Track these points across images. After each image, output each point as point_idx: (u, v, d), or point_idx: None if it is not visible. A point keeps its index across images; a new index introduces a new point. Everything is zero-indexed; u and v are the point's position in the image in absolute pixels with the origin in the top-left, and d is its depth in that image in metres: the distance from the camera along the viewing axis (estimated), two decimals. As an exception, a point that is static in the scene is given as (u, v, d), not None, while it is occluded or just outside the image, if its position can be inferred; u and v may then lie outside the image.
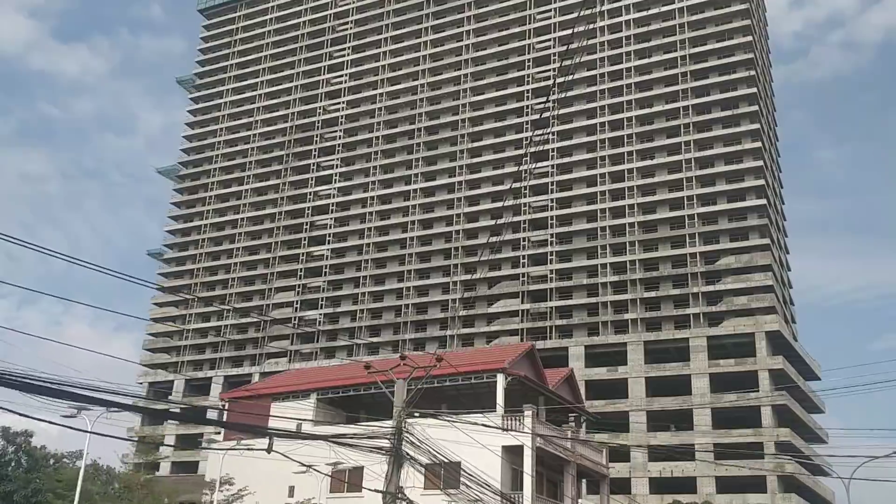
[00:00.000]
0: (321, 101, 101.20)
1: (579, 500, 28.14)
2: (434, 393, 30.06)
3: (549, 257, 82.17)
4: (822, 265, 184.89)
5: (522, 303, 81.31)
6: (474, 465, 26.29)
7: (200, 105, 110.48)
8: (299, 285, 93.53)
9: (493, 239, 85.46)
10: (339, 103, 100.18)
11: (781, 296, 79.06)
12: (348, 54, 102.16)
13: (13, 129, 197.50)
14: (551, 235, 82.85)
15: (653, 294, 76.20)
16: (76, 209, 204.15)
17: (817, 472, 77.47)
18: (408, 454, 16.34)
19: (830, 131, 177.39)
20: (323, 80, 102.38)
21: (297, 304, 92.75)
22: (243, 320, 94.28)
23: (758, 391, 67.74)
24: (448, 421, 26.37)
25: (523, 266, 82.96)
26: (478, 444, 26.20)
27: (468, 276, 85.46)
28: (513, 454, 28.29)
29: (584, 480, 35.55)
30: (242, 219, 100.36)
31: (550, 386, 32.42)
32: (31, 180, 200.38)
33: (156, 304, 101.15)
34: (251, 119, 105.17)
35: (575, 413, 34.60)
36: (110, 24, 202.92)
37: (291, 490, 30.22)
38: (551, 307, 79.89)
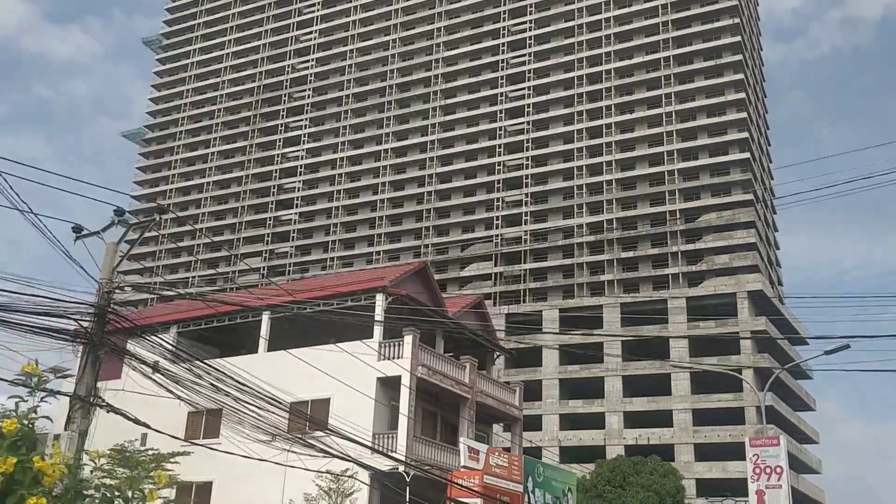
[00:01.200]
0: (290, 59, 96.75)
1: (462, 439, 23.90)
2: (317, 325, 26.17)
3: (523, 218, 78.39)
4: (823, 242, 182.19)
5: (496, 266, 77.64)
6: (345, 402, 22.83)
7: (167, 66, 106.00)
8: (266, 251, 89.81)
9: (467, 200, 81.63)
10: (308, 61, 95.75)
11: (766, 256, 75.39)
12: (318, 10, 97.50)
13: (8, 113, 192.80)
14: (526, 195, 79.01)
15: (630, 254, 72.53)
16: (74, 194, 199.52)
17: (804, 439, 74.37)
18: (111, 342, 12.16)
19: (829, 110, 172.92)
20: (292, 37, 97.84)
21: (264, 270, 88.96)
22: (209, 288, 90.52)
23: (739, 354, 64.32)
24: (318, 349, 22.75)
25: (497, 227, 79.19)
26: (359, 380, 22.67)
27: (440, 239, 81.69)
28: (392, 388, 24.48)
29: (499, 425, 31.73)
30: (209, 183, 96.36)
31: (451, 313, 28.04)
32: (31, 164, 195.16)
33: (121, 272, 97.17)
34: (219, 79, 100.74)
35: (490, 349, 30.55)
36: (104, 6, 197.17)
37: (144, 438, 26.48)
38: (525, 270, 76.27)
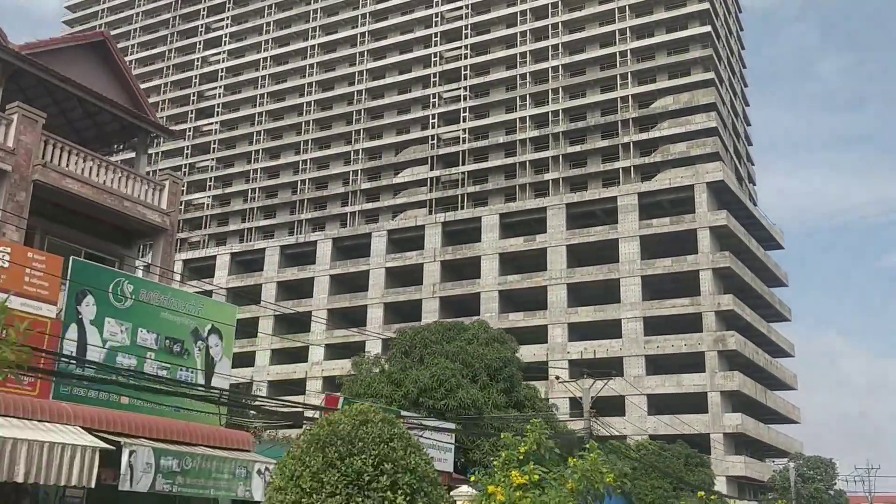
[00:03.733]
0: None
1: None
2: None
3: (462, 115, 69.61)
4: (824, 181, 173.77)
5: (432, 170, 69.20)
6: None
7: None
8: (186, 165, 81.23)
9: (402, 97, 72.72)
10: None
11: (732, 145, 66.87)
12: None
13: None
14: (465, 89, 70.06)
15: (578, 148, 64.01)
16: None
17: (776, 352, 67.19)
18: None
19: (834, 43, 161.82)
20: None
21: (183, 185, 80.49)
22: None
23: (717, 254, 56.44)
24: None
25: (434, 127, 70.47)
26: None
27: (373, 143, 73.05)
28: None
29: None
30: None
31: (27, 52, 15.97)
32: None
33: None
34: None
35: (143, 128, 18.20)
36: None
37: None
38: (464, 173, 67.85)
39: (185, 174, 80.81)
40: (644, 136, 61.46)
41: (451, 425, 22.76)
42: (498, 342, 27.84)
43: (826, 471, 43.01)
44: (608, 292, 58.50)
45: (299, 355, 67.11)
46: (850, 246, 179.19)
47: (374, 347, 65.02)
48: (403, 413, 20.10)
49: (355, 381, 28.18)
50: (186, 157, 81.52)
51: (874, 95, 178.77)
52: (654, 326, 56.85)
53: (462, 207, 66.49)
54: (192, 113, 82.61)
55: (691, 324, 55.60)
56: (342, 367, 65.90)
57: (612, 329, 57.55)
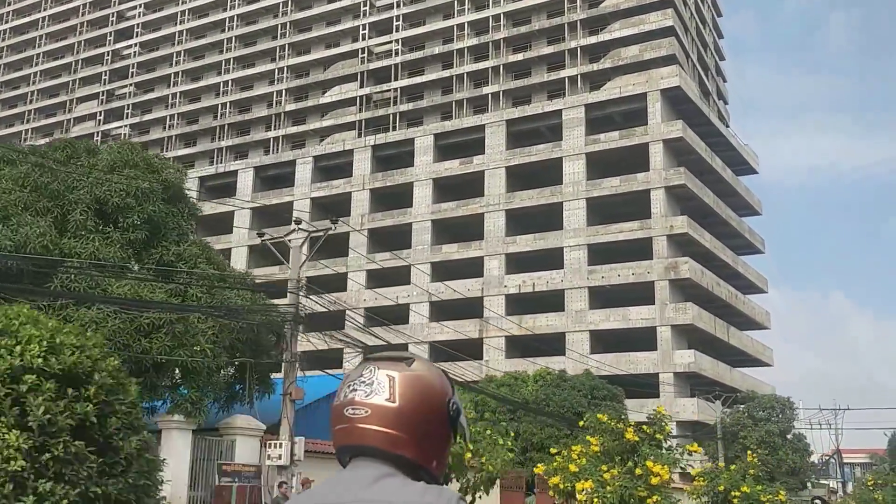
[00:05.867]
0: None
1: None
2: None
3: (395, 24, 61.87)
4: (830, 142, 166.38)
5: (362, 87, 61.73)
6: None
7: None
8: (103, 92, 73.81)
9: (331, 7, 64.91)
10: None
11: (697, 53, 59.23)
12: None
13: None
14: (399, -5, 62.21)
15: (521, 56, 56.45)
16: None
17: (749, 288, 60.56)
18: None
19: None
20: None
21: (100, 115, 73.34)
22: (41, 141, 75.09)
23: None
24: None
25: (364, 39, 62.79)
26: None
27: (299, 59, 65.44)
28: None
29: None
30: (45, 18, 79.30)
31: None
32: None
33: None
34: None
35: None
36: None
37: None
38: (397, 89, 60.42)
39: (102, 102, 73.66)
40: (593, 39, 53.81)
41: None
42: (133, 167, 18.29)
43: (783, 412, 36.59)
44: (551, 219, 51.61)
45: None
46: (856, 208, 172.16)
47: (296, 285, 58.68)
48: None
49: None
50: (104, 84, 74.07)
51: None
52: (601, 255, 50.08)
53: (394, 129, 59.26)
54: (110, 35, 74.90)
55: (642, 251, 48.79)
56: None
57: (553, 259, 50.82)
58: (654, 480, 11.44)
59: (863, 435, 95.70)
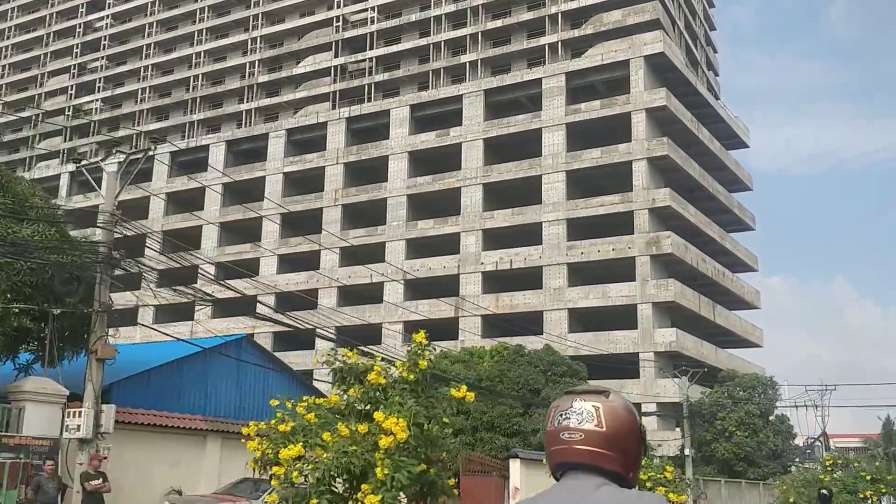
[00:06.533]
0: None
1: None
2: None
3: (371, -9, 59.44)
4: (834, 127, 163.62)
5: (337, 56, 59.37)
6: None
7: None
8: (75, 66, 71.54)
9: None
10: None
11: (684, 20, 56.75)
12: None
13: None
14: (376, -39, 59.68)
15: (500, 23, 54.02)
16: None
17: (736, 265, 58.36)
18: None
19: None
20: None
21: (71, 89, 71.07)
22: (12, 117, 72.91)
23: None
24: None
25: (339, 6, 60.37)
26: None
27: (273, 29, 63.02)
28: None
29: None
30: (16, -9, 76.91)
31: None
32: None
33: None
34: None
35: None
36: None
37: None
38: (372, 59, 58.06)
39: (73, 76, 71.42)
40: (574, 4, 51.32)
41: None
42: None
43: (765, 392, 34.49)
44: (530, 192, 49.39)
45: (187, 277, 58.39)
46: (859, 195, 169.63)
47: (269, 265, 56.64)
48: None
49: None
50: (75, 57, 71.75)
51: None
52: (581, 230, 47.92)
53: (370, 100, 56.94)
54: (82, 7, 72.48)
55: (623, 227, 46.61)
56: (240, 286, 57.45)
57: (532, 235, 48.67)
58: (385, 442, 7.71)
59: (857, 419, 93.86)
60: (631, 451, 1.90)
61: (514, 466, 18.29)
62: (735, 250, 56.64)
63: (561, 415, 1.92)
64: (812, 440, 43.46)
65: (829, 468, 25.09)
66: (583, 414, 1.89)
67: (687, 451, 30.86)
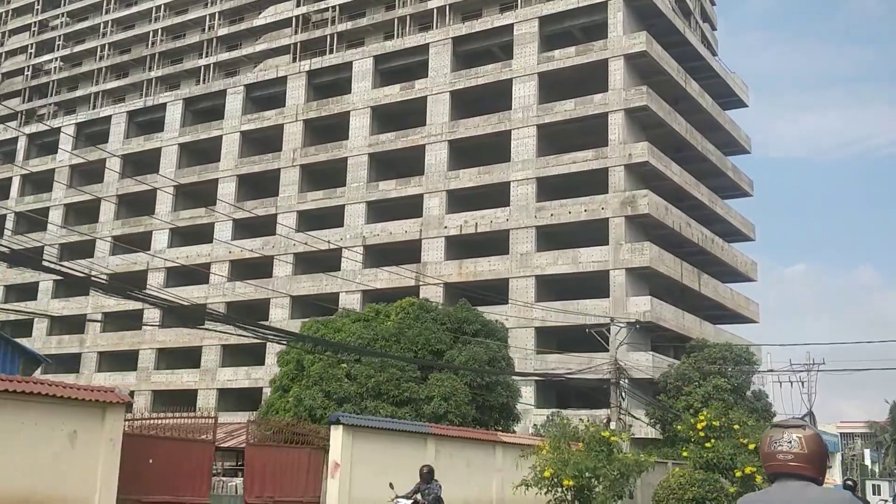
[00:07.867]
0: None
1: None
2: None
3: (335, -65, 54.93)
4: (850, 116, 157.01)
5: (298, 6, 55.10)
6: None
7: None
8: (35, 22, 67.82)
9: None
10: None
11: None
12: None
13: None
14: None
15: (470, -34, 49.44)
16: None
17: (731, 234, 53.73)
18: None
19: None
20: None
21: (31, 48, 67.39)
22: (-28, 76, 69.48)
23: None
24: None
25: (302, -46, 55.98)
26: None
27: (235, -20, 58.83)
28: None
29: None
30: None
31: None
32: None
33: None
34: None
35: None
36: None
37: None
38: (336, 7, 53.74)
39: (34, 34, 67.76)
40: (550, -59, 46.60)
41: None
42: None
43: (738, 364, 30.10)
44: (498, 150, 45.03)
45: (143, 242, 54.80)
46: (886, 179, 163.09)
47: (223, 230, 52.81)
48: None
49: None
50: (36, 14, 68.03)
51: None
52: (552, 190, 43.55)
53: (332, 52, 52.68)
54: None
55: (598, 186, 42.17)
56: (192, 253, 53.85)
57: (500, 196, 44.36)
58: None
59: (865, 405, 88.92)
60: (821, 463, 2.89)
61: (336, 435, 14.17)
62: (728, 217, 51.94)
63: (775, 442, 2.91)
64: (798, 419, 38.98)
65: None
66: (791, 441, 2.88)
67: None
